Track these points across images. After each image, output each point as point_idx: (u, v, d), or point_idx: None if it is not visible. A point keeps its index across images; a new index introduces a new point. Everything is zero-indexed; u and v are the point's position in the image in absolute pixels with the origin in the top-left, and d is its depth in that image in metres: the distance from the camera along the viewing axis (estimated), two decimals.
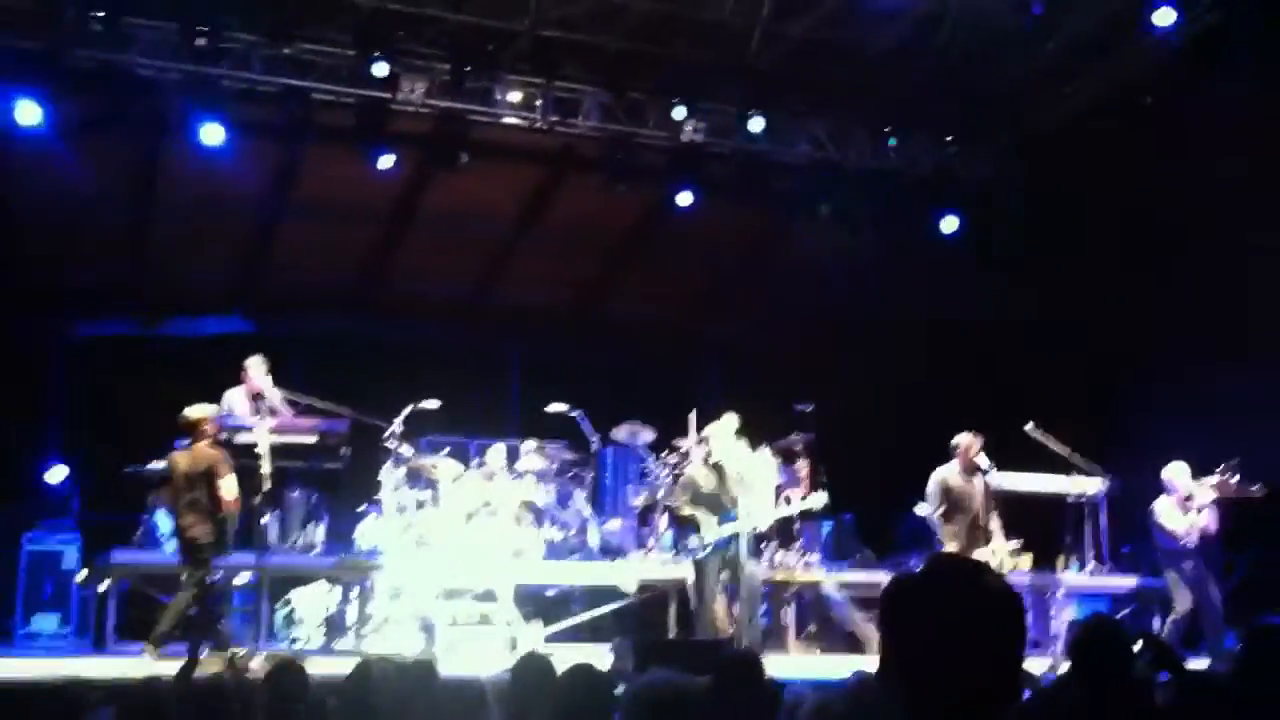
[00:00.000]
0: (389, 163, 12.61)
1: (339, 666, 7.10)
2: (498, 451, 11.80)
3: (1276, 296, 11.98)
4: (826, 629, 11.37)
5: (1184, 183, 12.74)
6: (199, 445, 9.00)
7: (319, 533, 11.18)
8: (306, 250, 14.32)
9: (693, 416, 11.90)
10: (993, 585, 2.14)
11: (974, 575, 2.16)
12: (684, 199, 13.59)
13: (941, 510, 10.23)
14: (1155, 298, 13.23)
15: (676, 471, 11.91)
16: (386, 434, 10.85)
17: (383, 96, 12.11)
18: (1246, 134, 12.00)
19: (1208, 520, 10.26)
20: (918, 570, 2.19)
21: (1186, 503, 10.33)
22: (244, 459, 9.35)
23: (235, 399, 10.78)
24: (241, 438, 9.68)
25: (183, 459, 9.03)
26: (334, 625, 11.03)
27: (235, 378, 10.94)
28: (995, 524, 10.21)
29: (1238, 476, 10.47)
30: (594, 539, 11.96)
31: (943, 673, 2.04)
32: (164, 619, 8.80)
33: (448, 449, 11.77)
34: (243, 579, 9.47)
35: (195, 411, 9.10)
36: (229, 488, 8.89)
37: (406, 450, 11.00)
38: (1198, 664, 8.27)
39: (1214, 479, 10.41)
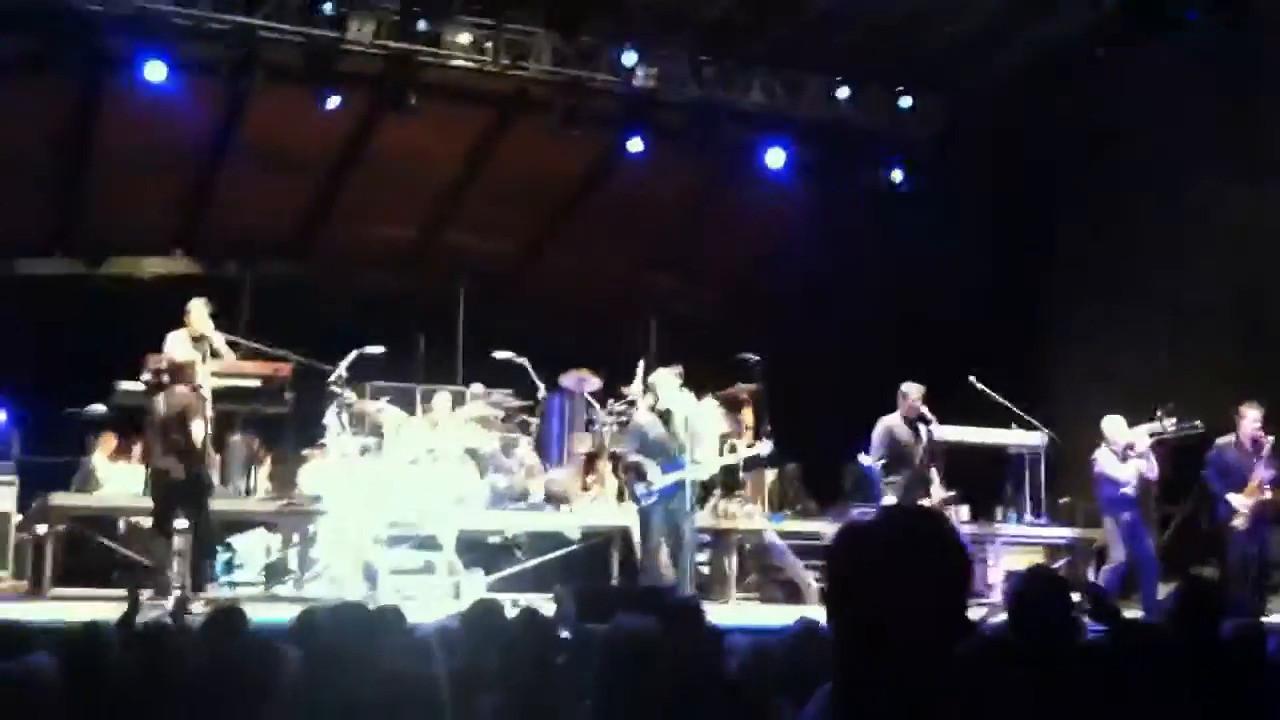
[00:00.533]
0: (336, 103, 12.47)
1: (280, 612, 7.10)
2: (443, 398, 11.76)
3: (1209, 253, 12.19)
4: (768, 578, 11.46)
5: (1126, 139, 12.90)
6: (178, 389, 9.01)
7: (261, 477, 11.09)
8: (252, 193, 14.13)
9: (640, 365, 11.91)
10: (942, 532, 2.17)
11: (924, 522, 2.19)
12: (634, 145, 13.54)
13: (884, 460, 10.32)
14: (1090, 253, 13.43)
15: (623, 419, 11.94)
16: (331, 379, 10.76)
17: (331, 36, 11.94)
18: (1188, 89, 12.13)
19: (1149, 467, 10.43)
20: (871, 518, 2.22)
21: (1127, 451, 10.49)
22: None
23: (177, 342, 10.64)
24: None
25: (162, 402, 9.03)
26: (275, 571, 10.99)
27: (178, 321, 10.80)
28: (935, 475, 10.32)
29: (1174, 419, 10.64)
30: (538, 486, 11.97)
31: (890, 618, 2.07)
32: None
33: (392, 395, 11.72)
34: (182, 524, 9.39)
35: (182, 355, 9.15)
36: (198, 430, 8.99)
37: (351, 396, 10.93)
38: (1133, 614, 8.41)
39: (1151, 425, 10.58)
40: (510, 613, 5.11)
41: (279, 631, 4.96)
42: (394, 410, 11.17)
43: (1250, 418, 10.33)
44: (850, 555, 2.16)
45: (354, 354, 10.90)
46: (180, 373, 9.09)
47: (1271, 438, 10.29)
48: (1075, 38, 12.84)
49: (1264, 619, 8.08)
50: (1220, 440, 10.50)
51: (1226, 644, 5.47)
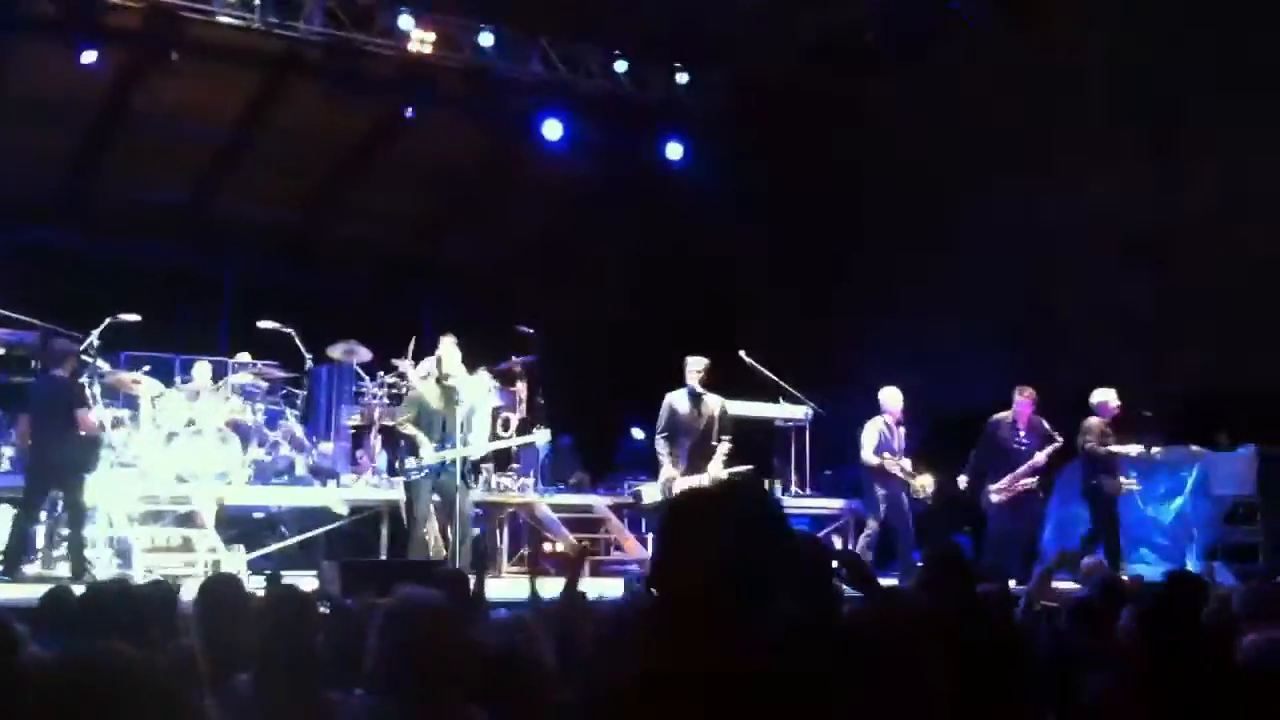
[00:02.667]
0: (92, 57, 11.87)
1: (24, 592, 6.71)
2: (203, 368, 11.32)
3: (983, 237, 12.69)
4: (540, 551, 11.44)
5: (902, 126, 13.30)
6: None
7: (7, 451, 10.48)
8: (9, 152, 13.28)
9: (413, 338, 11.70)
10: (765, 501, 2.27)
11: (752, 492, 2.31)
12: (408, 112, 13.31)
13: (665, 433, 10.40)
14: (866, 233, 13.83)
15: (395, 391, 11.72)
16: (82, 347, 10.22)
17: None
18: (975, 79, 12.55)
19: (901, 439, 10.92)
20: (704, 487, 2.32)
21: (898, 427, 10.93)
22: None
23: None
24: None
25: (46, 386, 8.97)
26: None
27: None
28: (722, 448, 10.37)
29: None
30: (304, 460, 11.65)
31: (713, 578, 2.14)
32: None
33: (149, 366, 11.22)
34: None
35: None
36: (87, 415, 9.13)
37: (104, 365, 10.42)
38: (889, 580, 8.69)
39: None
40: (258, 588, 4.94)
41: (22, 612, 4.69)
42: (151, 381, 10.70)
43: (1025, 397, 10.87)
44: (676, 521, 2.23)
45: (106, 321, 10.41)
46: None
47: (1042, 420, 10.84)
48: (861, 22, 13.17)
49: (1016, 584, 8.46)
50: (995, 416, 10.99)
51: (977, 608, 5.69)
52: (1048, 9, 12.19)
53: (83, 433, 9.14)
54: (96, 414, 9.63)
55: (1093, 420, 10.79)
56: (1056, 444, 10.77)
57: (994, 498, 10.80)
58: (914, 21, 12.77)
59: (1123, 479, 10.76)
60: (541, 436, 10.74)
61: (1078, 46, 12.24)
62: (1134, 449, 10.83)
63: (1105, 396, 10.84)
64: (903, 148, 13.19)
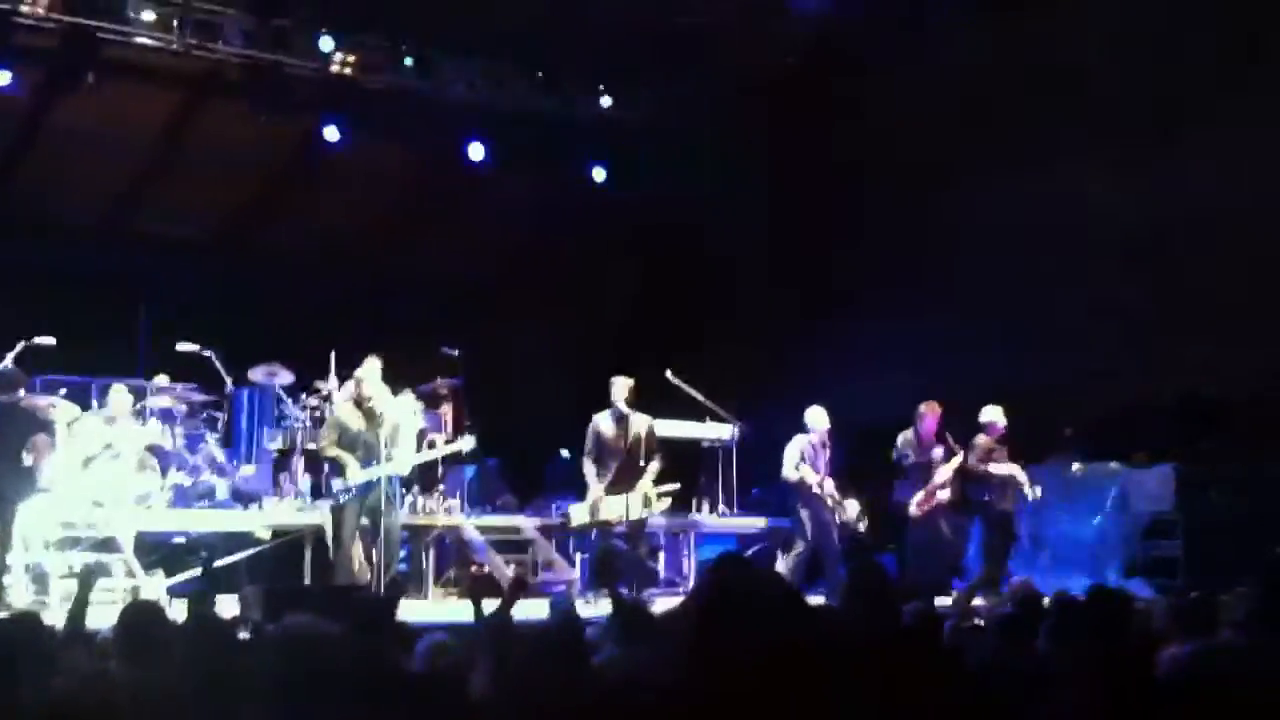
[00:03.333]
0: (6, 79, 11.70)
1: None
2: (121, 392, 11.10)
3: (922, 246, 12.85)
4: (466, 573, 11.35)
5: (820, 146, 13.44)
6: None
7: None
8: None
9: (333, 358, 11.59)
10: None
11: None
12: (331, 134, 13.21)
13: (592, 454, 10.39)
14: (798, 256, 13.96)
15: (318, 414, 11.59)
16: None
17: (4, 8, 11.18)
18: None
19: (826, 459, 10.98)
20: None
21: (822, 446, 10.98)
22: None
23: None
24: None
25: None
26: None
27: None
28: (652, 467, 10.38)
29: None
30: (226, 484, 11.47)
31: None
32: None
33: (65, 389, 11.00)
34: None
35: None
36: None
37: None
38: (816, 599, 8.73)
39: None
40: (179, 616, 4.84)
41: None
42: (66, 405, 10.48)
43: (930, 412, 10.96)
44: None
45: (20, 345, 10.20)
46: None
47: (947, 434, 10.94)
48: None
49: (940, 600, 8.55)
50: (902, 433, 11.10)
51: (901, 627, 5.72)
52: (1048, 6, 12.23)
53: (29, 460, 8.94)
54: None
55: (979, 438, 10.89)
56: (957, 457, 10.86)
57: (912, 511, 10.91)
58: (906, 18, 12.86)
59: (1032, 488, 10.82)
60: (466, 443, 10.64)
61: (1078, 45, 12.32)
62: (1008, 469, 10.78)
63: (993, 416, 10.92)
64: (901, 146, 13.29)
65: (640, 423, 10.44)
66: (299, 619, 3.79)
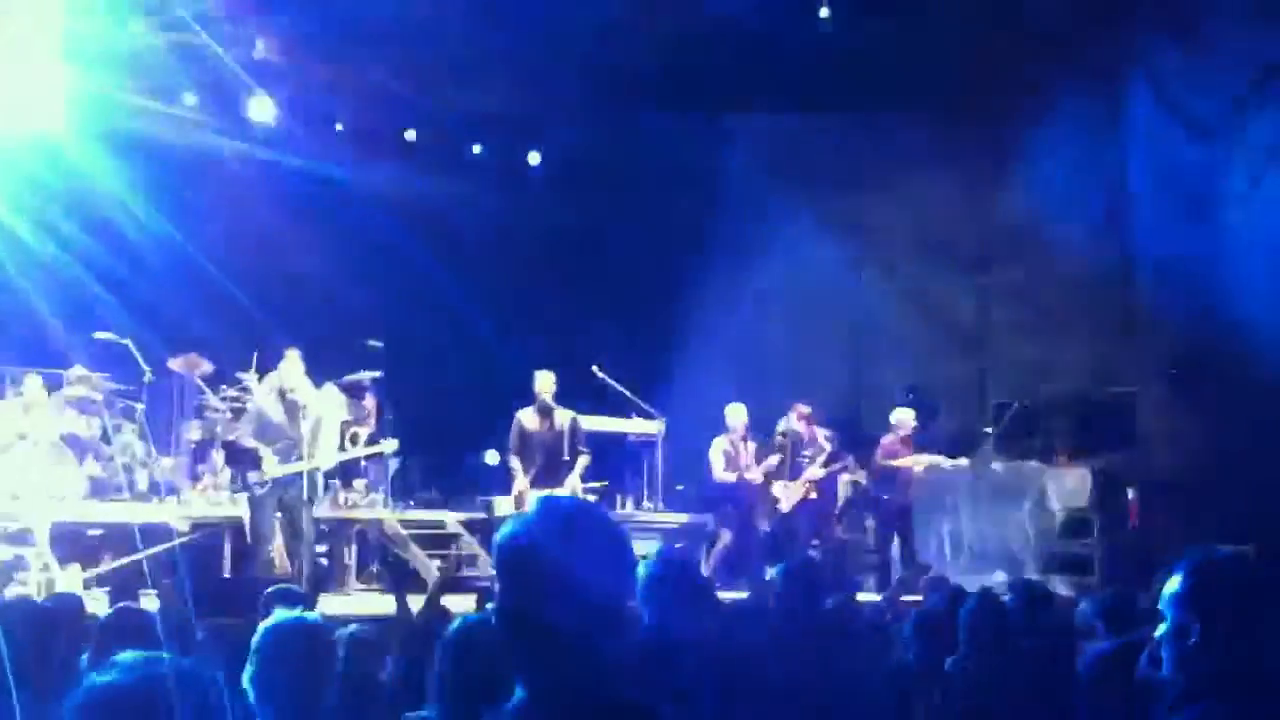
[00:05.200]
0: None
1: None
2: (35, 381, 10.86)
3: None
4: (388, 568, 11.25)
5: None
6: None
7: None
8: None
9: (255, 351, 11.45)
10: (599, 521, 2.19)
11: (580, 513, 2.19)
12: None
13: (516, 450, 10.36)
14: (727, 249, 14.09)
15: (238, 405, 11.44)
16: None
17: None
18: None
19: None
20: (534, 516, 2.15)
21: (742, 441, 11.11)
22: None
23: None
24: None
25: None
26: None
27: None
28: (581, 461, 10.40)
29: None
30: (143, 475, 11.28)
31: (552, 609, 2.06)
32: None
33: None
34: None
35: None
36: None
37: None
38: (737, 594, 8.77)
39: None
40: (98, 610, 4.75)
41: None
42: None
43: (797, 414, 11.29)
44: (512, 545, 2.12)
45: None
46: None
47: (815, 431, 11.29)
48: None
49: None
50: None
51: (827, 622, 5.77)
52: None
53: None
54: None
55: (885, 437, 11.59)
56: (825, 454, 11.32)
57: (780, 506, 11.19)
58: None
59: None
60: (389, 445, 10.60)
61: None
62: (911, 459, 11.52)
63: (901, 417, 11.70)
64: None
65: (564, 417, 10.43)
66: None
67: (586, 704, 2.03)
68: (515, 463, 10.38)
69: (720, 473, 11.06)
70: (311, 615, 3.73)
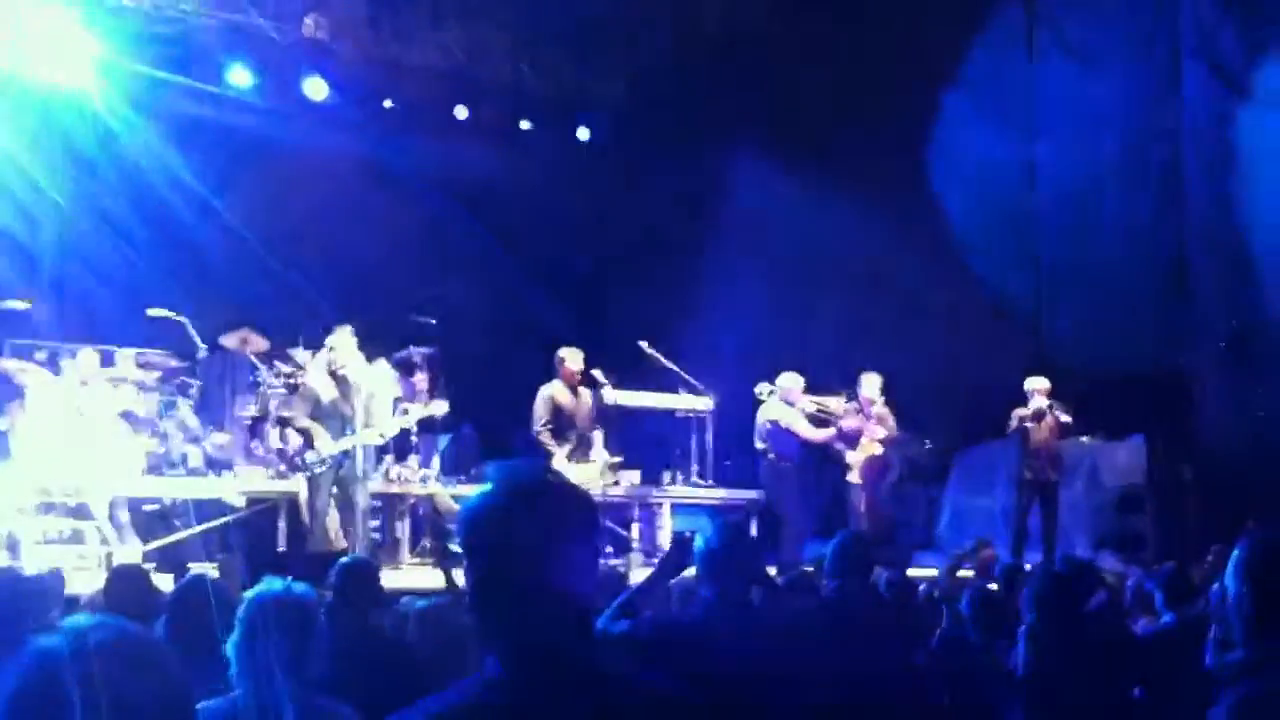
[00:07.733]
0: None
1: None
2: (91, 357, 11.01)
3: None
4: (441, 542, 11.33)
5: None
6: None
7: None
8: None
9: (304, 328, 11.52)
10: (557, 487, 2.15)
11: (538, 480, 2.15)
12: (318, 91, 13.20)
13: (549, 426, 10.40)
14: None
15: (291, 381, 11.51)
16: None
17: None
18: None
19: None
20: (497, 486, 2.14)
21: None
22: None
23: None
24: None
25: None
26: None
27: None
28: (598, 438, 10.49)
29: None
30: (197, 452, 11.40)
31: (530, 585, 2.04)
32: None
33: (37, 353, 10.90)
34: None
35: None
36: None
37: None
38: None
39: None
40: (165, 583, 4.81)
41: None
42: (38, 369, 10.39)
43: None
44: (478, 516, 2.11)
45: None
46: None
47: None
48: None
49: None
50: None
51: (878, 596, 5.77)
52: None
53: (2, 426, 8.90)
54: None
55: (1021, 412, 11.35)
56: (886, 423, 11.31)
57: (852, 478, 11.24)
58: None
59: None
60: (440, 407, 10.64)
61: None
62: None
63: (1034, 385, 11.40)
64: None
65: (587, 392, 10.60)
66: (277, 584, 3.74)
67: (558, 674, 2.03)
68: (547, 437, 10.45)
69: (812, 431, 11.09)
70: (299, 586, 3.70)
